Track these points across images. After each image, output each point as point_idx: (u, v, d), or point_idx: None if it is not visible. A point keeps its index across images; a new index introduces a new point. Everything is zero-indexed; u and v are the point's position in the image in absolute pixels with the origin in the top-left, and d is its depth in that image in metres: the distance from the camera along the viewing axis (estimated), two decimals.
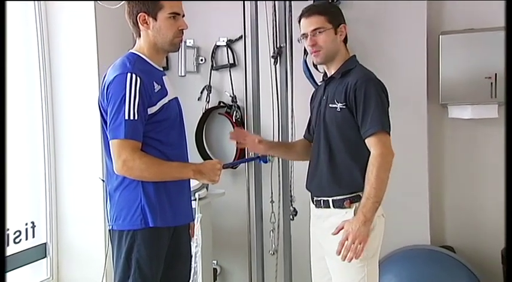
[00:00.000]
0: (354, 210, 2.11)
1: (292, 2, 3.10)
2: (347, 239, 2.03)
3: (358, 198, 2.11)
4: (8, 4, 2.29)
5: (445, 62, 3.16)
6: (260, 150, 2.51)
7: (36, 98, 3.25)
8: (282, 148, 2.61)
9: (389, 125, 2.10)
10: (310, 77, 3.23)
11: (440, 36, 3.18)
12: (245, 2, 3.02)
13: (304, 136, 2.59)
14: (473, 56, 3.10)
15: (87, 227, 3.30)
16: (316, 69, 3.15)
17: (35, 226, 3.17)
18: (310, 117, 2.50)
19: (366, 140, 2.09)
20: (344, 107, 2.14)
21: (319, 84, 2.56)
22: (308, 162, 2.38)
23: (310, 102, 2.48)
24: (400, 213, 2.97)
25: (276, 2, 3.09)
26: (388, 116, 2.12)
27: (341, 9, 2.33)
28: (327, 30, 2.19)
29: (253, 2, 2.99)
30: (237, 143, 2.64)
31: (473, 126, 3.30)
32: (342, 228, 2.07)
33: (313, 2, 3.17)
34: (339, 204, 2.16)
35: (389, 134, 2.09)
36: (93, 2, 3.21)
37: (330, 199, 2.18)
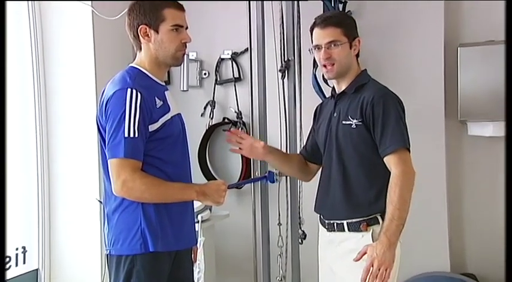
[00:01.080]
0: (371, 234, 2.11)
1: (301, 13, 3.13)
2: (372, 266, 2.00)
3: (375, 221, 2.12)
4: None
5: (464, 76, 3.17)
6: (258, 155, 2.49)
7: (30, 113, 3.27)
8: (279, 156, 2.55)
9: (409, 142, 2.11)
10: (320, 91, 3.25)
11: (458, 49, 3.20)
12: (251, 13, 3.05)
13: (300, 152, 2.59)
14: (494, 69, 3.11)
15: (83, 252, 3.30)
16: (326, 83, 3.17)
17: (26, 251, 3.15)
18: (310, 135, 2.51)
19: (385, 158, 2.09)
20: (360, 123, 2.14)
21: (325, 99, 2.57)
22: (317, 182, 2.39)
23: (314, 120, 2.48)
24: (417, 237, 2.95)
25: (284, 13, 3.12)
26: (408, 132, 2.13)
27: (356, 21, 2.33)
28: (343, 44, 2.20)
29: (260, 13, 3.02)
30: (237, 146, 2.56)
31: (495, 145, 3.29)
32: (365, 253, 2.05)
33: (323, 9, 3.22)
34: (354, 228, 2.15)
35: (409, 151, 2.10)
36: (90, 13, 3.26)
37: (345, 222, 2.18)
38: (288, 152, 3.13)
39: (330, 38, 2.19)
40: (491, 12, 3.26)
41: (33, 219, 3.28)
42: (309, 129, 2.54)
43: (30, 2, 3.25)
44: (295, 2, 3.11)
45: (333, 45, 2.19)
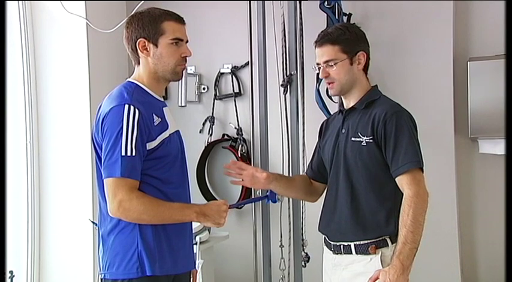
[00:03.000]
0: (380, 257, 2.11)
1: (304, 26, 3.16)
2: None
3: (384, 243, 2.12)
4: None
5: (475, 91, 3.18)
6: (260, 185, 2.47)
7: (21, 129, 3.29)
8: (283, 182, 2.52)
9: (423, 162, 2.11)
10: (324, 107, 3.26)
11: (468, 63, 3.22)
12: (252, 26, 3.09)
13: (306, 172, 2.60)
14: None
15: (75, 276, 3.29)
16: (330, 99, 3.19)
17: (13, 276, 3.14)
18: (315, 152, 2.51)
19: (397, 178, 2.09)
20: (371, 140, 2.15)
21: (332, 115, 2.59)
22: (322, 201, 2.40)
23: (320, 136, 2.48)
24: (426, 262, 2.94)
25: (287, 26, 3.16)
26: (421, 151, 2.13)
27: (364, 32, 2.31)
28: (341, 61, 2.20)
29: (261, 26, 3.06)
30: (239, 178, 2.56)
31: None
32: (377, 278, 2.04)
33: (327, 21, 3.25)
34: (362, 250, 2.15)
35: (423, 171, 2.10)
36: (85, 26, 3.30)
37: (352, 244, 2.18)
38: (291, 170, 3.14)
39: (326, 57, 2.22)
40: (502, 25, 3.29)
41: (22, 241, 3.27)
42: (314, 147, 2.55)
43: (21, 14, 3.29)
44: (298, 15, 3.15)
45: (329, 64, 2.21)
